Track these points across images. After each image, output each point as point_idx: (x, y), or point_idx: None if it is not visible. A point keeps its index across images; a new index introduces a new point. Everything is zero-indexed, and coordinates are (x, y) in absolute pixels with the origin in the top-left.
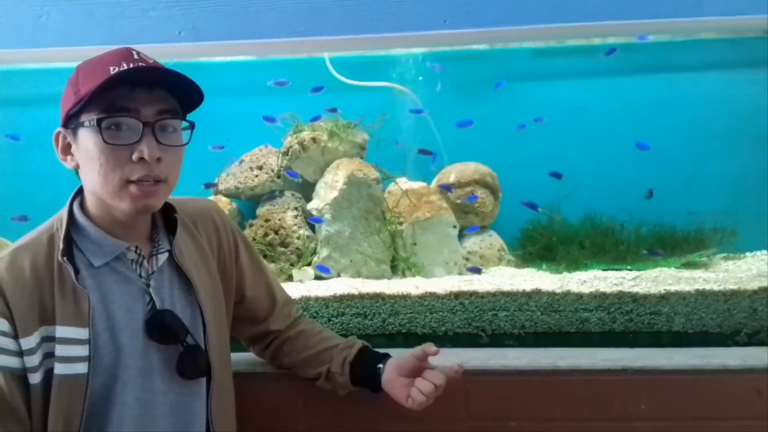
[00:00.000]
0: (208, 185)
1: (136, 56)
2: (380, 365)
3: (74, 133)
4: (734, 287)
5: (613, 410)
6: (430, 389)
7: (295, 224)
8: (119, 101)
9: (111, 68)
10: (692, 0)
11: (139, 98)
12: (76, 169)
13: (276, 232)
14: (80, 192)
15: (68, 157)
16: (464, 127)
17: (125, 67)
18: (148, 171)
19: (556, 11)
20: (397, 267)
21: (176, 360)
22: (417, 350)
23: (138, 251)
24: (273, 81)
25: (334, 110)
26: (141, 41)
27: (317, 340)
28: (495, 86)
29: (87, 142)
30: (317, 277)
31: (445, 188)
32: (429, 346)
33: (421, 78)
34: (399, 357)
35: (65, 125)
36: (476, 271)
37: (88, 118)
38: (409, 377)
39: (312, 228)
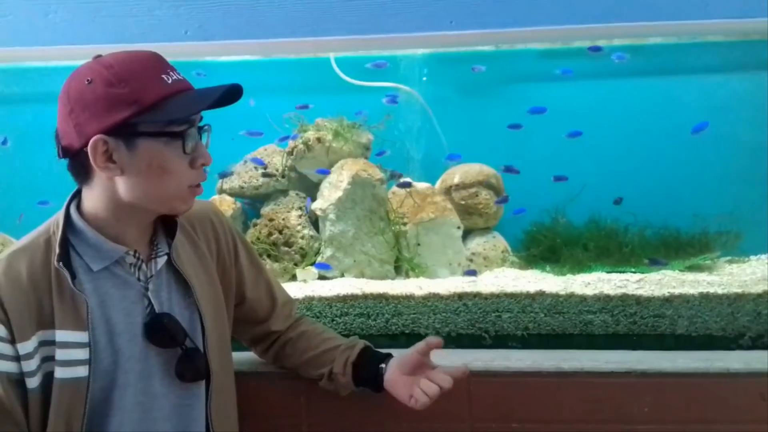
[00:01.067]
0: (222, 174)
1: (165, 61)
2: (383, 365)
3: (130, 142)
4: (738, 290)
5: (616, 413)
6: (435, 392)
7: (299, 224)
8: (185, 111)
9: (163, 77)
10: (697, 2)
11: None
12: (114, 176)
13: (280, 232)
14: (77, 195)
15: (109, 165)
16: (538, 113)
17: (173, 76)
18: (205, 175)
19: (561, 13)
20: (400, 268)
21: (175, 363)
22: (420, 344)
23: (137, 255)
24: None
25: (305, 107)
26: (147, 40)
27: (319, 341)
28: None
29: (151, 150)
30: (321, 277)
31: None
32: (432, 338)
33: (425, 78)
34: (401, 355)
35: (113, 133)
36: (472, 273)
37: (153, 128)
38: (412, 375)
39: (316, 228)
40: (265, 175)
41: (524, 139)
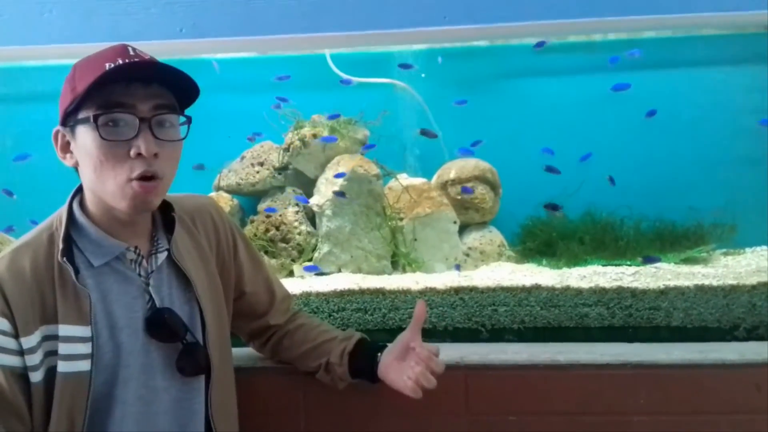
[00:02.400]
0: (197, 167)
1: (131, 52)
2: (379, 354)
3: (72, 131)
4: (733, 282)
5: (612, 404)
6: (432, 384)
7: (296, 220)
8: (115, 97)
9: (107, 65)
10: None
11: (136, 94)
12: (76, 166)
13: (277, 228)
14: (80, 190)
15: (67, 155)
16: (622, 89)
17: (121, 62)
18: (147, 166)
19: (555, 8)
20: (397, 263)
21: (176, 357)
22: (412, 326)
23: (137, 251)
24: (276, 77)
25: (283, 100)
26: (142, 38)
27: (316, 333)
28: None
29: (85, 139)
30: (318, 273)
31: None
32: (417, 309)
33: (423, 75)
34: (394, 344)
35: (63, 123)
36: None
37: (85, 114)
38: (403, 359)
39: (313, 224)
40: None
41: (520, 134)
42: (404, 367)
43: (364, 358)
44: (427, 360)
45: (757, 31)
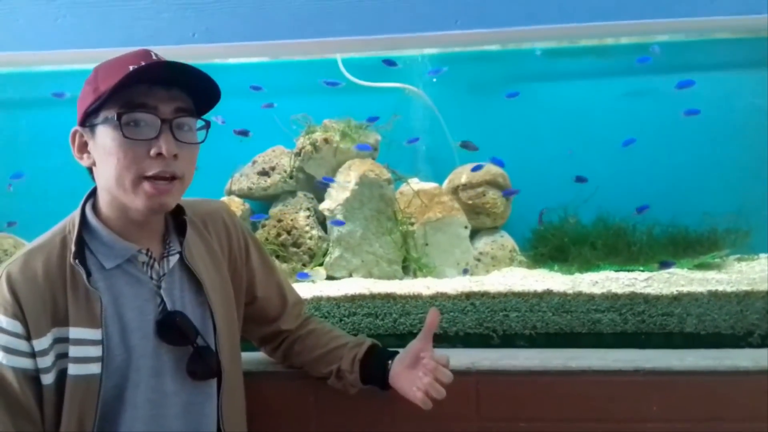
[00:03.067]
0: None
1: (154, 57)
2: (390, 362)
3: (92, 131)
4: (747, 288)
5: (624, 411)
6: (442, 394)
7: (308, 224)
8: (138, 98)
9: (130, 67)
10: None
11: (158, 95)
12: (92, 167)
13: (288, 233)
14: (93, 194)
15: (84, 155)
16: (692, 115)
17: (144, 65)
18: (165, 167)
19: (567, 11)
20: (408, 267)
21: (187, 361)
22: (421, 333)
23: (149, 254)
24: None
25: (269, 106)
26: (155, 43)
27: (327, 339)
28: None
29: (105, 138)
30: (329, 277)
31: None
32: (430, 316)
33: (435, 80)
34: (404, 351)
35: (82, 123)
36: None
37: (107, 114)
38: (413, 367)
39: (324, 228)
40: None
41: (532, 139)
42: (414, 377)
43: (375, 365)
44: (434, 371)
45: None
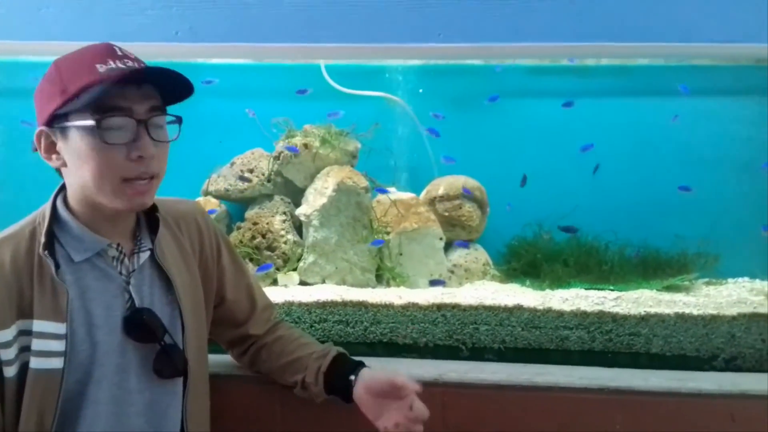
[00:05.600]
0: None
1: (119, 52)
2: (352, 377)
3: (63, 133)
4: (714, 312)
5: (588, 428)
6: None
7: (283, 229)
8: (112, 100)
9: (98, 66)
10: (685, 26)
11: (131, 96)
12: (61, 168)
13: (263, 236)
14: (64, 187)
15: (53, 156)
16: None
17: (112, 64)
18: (145, 168)
19: (550, 31)
20: (382, 276)
21: (153, 359)
22: (397, 379)
23: (119, 248)
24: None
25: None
26: (138, 39)
27: (294, 346)
28: (490, 100)
29: (79, 142)
30: (302, 283)
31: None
32: (411, 385)
33: (421, 90)
34: (372, 377)
35: (49, 124)
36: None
37: (81, 118)
38: (381, 397)
39: (299, 233)
40: (242, 179)
41: (509, 154)
42: (383, 408)
43: (339, 379)
44: (414, 421)
45: (748, 63)
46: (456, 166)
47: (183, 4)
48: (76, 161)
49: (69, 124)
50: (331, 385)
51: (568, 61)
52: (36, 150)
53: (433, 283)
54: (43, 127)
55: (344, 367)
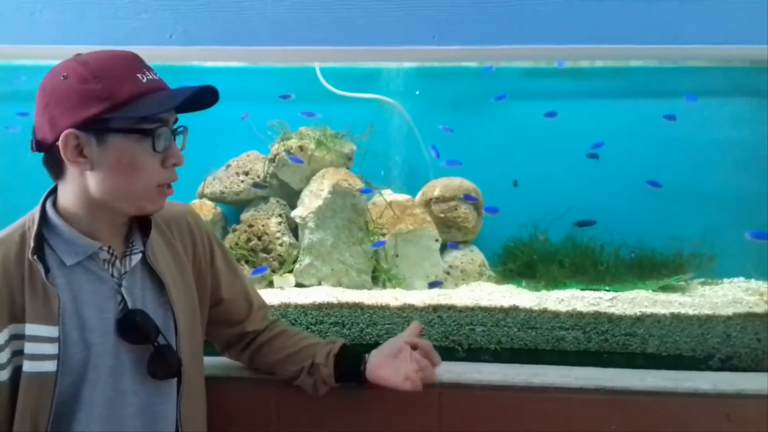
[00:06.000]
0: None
1: (142, 61)
2: (366, 354)
3: (99, 136)
4: (709, 312)
5: (584, 429)
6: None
7: (279, 231)
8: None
9: (138, 76)
10: (679, 28)
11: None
12: (85, 171)
13: (259, 238)
14: (53, 191)
15: (81, 159)
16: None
17: (149, 75)
18: (174, 175)
19: (544, 33)
20: (378, 278)
21: (147, 360)
22: (408, 331)
23: (111, 251)
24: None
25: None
26: (132, 42)
27: (297, 339)
28: (496, 98)
29: (121, 148)
30: (298, 285)
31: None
32: (416, 324)
33: (418, 92)
34: (385, 343)
35: (83, 127)
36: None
37: (128, 124)
38: (396, 357)
39: (295, 235)
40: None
41: (505, 156)
42: (399, 364)
43: (350, 359)
44: (430, 352)
45: (742, 64)
46: (452, 168)
47: (177, 8)
48: (112, 165)
49: (113, 128)
50: (343, 368)
51: (556, 64)
52: (35, 150)
53: (432, 285)
54: (74, 130)
55: (353, 352)
